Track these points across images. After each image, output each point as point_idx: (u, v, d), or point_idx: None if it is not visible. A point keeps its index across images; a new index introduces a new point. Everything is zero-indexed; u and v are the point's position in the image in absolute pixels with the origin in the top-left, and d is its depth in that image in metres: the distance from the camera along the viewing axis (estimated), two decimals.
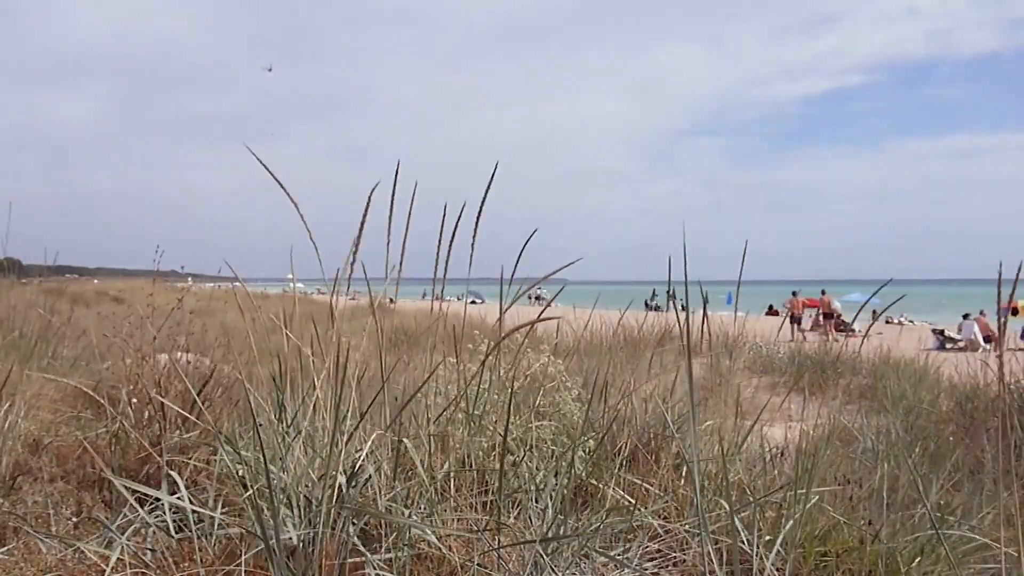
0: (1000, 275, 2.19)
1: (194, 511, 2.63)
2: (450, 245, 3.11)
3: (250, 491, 2.47)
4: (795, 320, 21.61)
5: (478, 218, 3.05)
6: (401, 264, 3.03)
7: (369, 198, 2.81)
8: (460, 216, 3.10)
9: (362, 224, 2.81)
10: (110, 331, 4.29)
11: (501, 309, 3.23)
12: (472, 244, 3.09)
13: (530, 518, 2.89)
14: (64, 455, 3.72)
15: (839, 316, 21.25)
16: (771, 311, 28.16)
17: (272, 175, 2.75)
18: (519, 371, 3.79)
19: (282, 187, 2.75)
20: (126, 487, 2.69)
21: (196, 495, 2.81)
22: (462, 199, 3.10)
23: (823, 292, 23.45)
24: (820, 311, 22.57)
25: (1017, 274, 2.21)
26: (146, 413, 3.73)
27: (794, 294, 23.64)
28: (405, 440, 2.78)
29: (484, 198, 3.04)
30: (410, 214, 3.00)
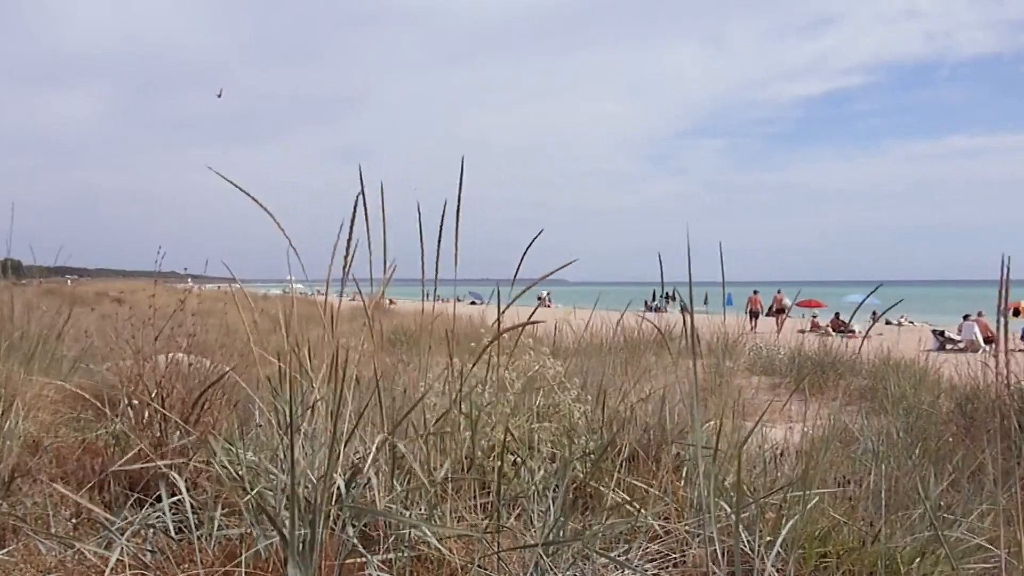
0: (1006, 276, 2.18)
1: (194, 512, 2.63)
2: (438, 243, 3.08)
3: (249, 492, 2.47)
4: (753, 315, 24.85)
5: (457, 216, 3.01)
6: (385, 263, 3.01)
7: (357, 200, 2.79)
8: (443, 216, 3.06)
9: (352, 223, 2.79)
10: (111, 332, 4.30)
11: (499, 310, 3.22)
12: (456, 244, 3.06)
13: (531, 519, 2.89)
14: (64, 456, 3.72)
15: (788, 310, 25.96)
16: (769, 312, 28.39)
17: (244, 191, 2.70)
18: (518, 372, 3.79)
19: (256, 200, 2.72)
20: (125, 489, 2.69)
21: (196, 496, 2.81)
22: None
23: (778, 291, 27.61)
24: (774, 306, 26.86)
25: (1003, 275, 2.21)
26: (146, 414, 3.73)
27: (755, 292, 26.23)
28: (400, 444, 2.78)
29: (458, 199, 2.99)
30: (383, 212, 2.97)
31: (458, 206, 3.02)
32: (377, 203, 2.95)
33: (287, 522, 2.44)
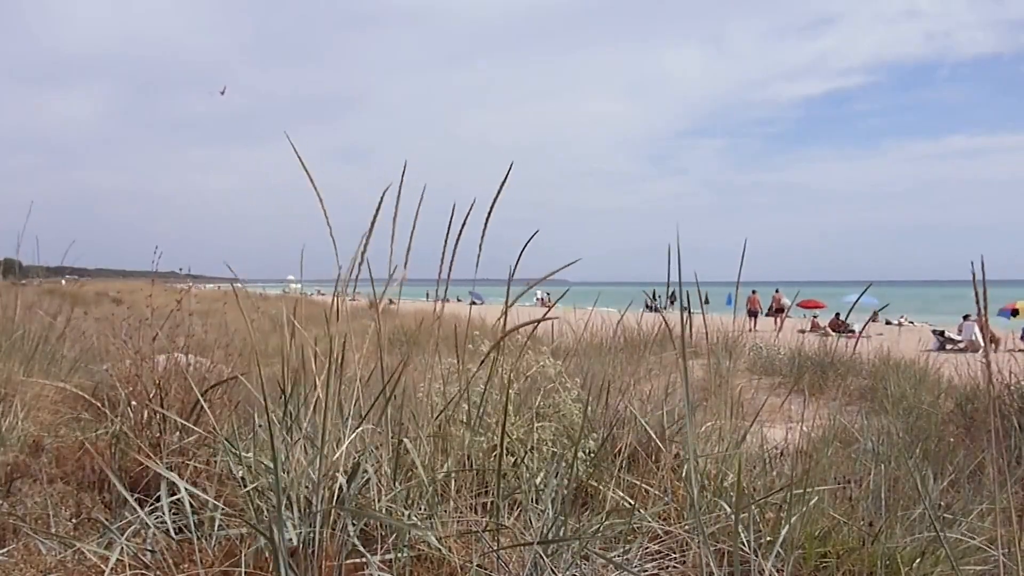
0: (979, 275, 2.17)
1: (194, 512, 2.63)
2: (455, 246, 3.09)
3: (249, 492, 2.47)
4: (752, 314, 25.74)
5: (487, 220, 3.04)
6: (406, 265, 3.02)
7: (381, 201, 2.81)
8: (467, 216, 3.08)
9: (371, 226, 2.81)
10: (110, 333, 4.29)
11: (505, 310, 3.22)
12: (480, 245, 3.09)
13: (530, 519, 2.89)
14: (64, 456, 3.72)
15: (788, 310, 27.17)
16: (769, 312, 28.44)
17: (306, 170, 2.76)
18: (519, 372, 3.79)
19: (312, 182, 2.77)
20: (126, 489, 2.69)
21: (196, 496, 2.80)
22: (462, 200, 3.09)
23: (776, 291, 28.76)
24: (773, 306, 27.82)
25: (981, 276, 2.21)
26: (145, 414, 3.72)
27: (753, 292, 27.28)
28: (405, 440, 2.78)
29: (495, 200, 3.03)
30: (416, 217, 2.99)
31: (491, 208, 3.03)
32: (384, 205, 2.95)
33: (287, 522, 2.44)
